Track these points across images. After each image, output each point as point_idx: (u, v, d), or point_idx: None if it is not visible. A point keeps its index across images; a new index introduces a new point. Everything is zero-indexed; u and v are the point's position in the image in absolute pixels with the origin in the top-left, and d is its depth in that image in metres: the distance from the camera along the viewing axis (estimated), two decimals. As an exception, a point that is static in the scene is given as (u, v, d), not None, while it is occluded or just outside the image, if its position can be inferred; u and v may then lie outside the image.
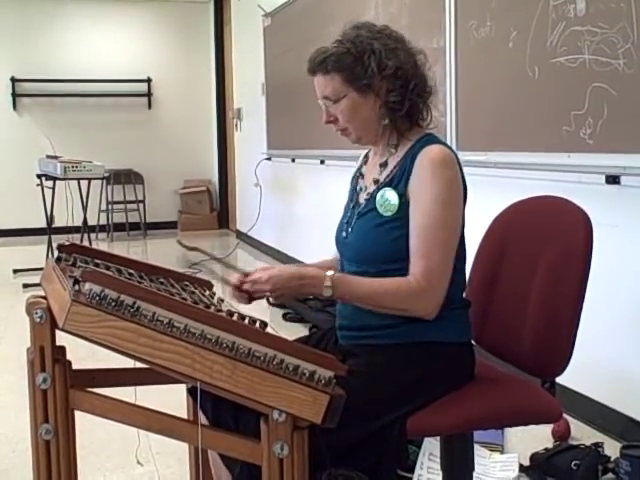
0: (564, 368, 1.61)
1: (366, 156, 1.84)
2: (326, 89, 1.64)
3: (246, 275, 1.62)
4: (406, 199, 1.60)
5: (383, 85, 1.62)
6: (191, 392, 1.60)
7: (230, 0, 8.27)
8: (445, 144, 1.65)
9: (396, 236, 1.59)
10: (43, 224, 5.86)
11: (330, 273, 1.56)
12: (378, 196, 1.64)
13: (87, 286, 1.24)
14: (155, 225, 8.91)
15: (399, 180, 1.62)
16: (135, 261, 1.69)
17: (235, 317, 1.36)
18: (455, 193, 1.59)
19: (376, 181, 1.69)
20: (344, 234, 1.73)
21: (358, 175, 1.80)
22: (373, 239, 1.63)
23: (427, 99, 1.68)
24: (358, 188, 1.77)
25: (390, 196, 1.61)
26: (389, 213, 1.61)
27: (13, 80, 8.50)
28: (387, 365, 1.57)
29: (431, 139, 1.65)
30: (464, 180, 1.62)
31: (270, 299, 1.68)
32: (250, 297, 1.63)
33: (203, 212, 9.12)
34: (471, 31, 3.26)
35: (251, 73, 7.23)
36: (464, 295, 1.70)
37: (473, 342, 1.72)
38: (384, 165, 1.69)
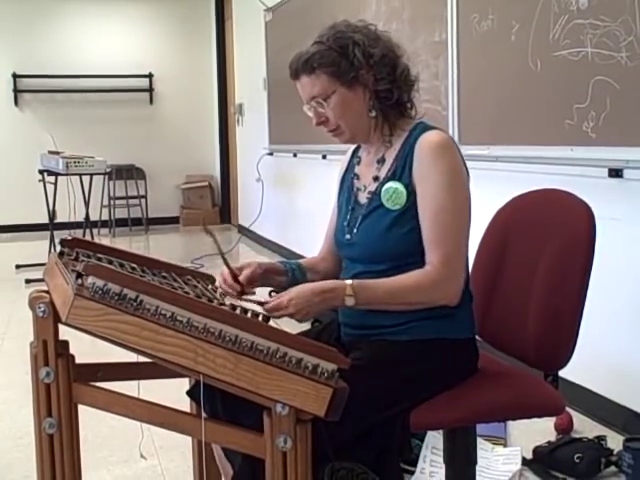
0: (567, 361, 1.61)
1: (355, 156, 1.80)
2: (314, 89, 1.61)
3: (234, 274, 1.61)
4: (412, 189, 1.59)
5: (370, 75, 1.61)
6: (190, 394, 1.59)
7: (231, -5, 8.26)
8: (440, 129, 1.64)
9: (406, 230, 1.58)
10: (45, 220, 5.87)
11: (349, 282, 1.53)
12: (383, 191, 1.62)
13: (90, 280, 1.24)
14: (157, 220, 8.91)
15: (402, 171, 1.61)
16: (137, 255, 1.69)
17: (238, 310, 1.36)
18: (459, 175, 1.58)
19: (376, 178, 1.66)
20: (348, 236, 1.69)
21: (352, 177, 1.76)
22: (383, 237, 1.60)
23: (412, 88, 1.67)
24: (355, 189, 1.73)
25: (396, 188, 1.60)
26: (397, 206, 1.59)
27: (15, 76, 8.48)
28: (390, 359, 1.57)
29: (425, 126, 1.64)
30: (464, 163, 1.62)
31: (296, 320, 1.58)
32: (241, 292, 1.62)
33: (205, 207, 9.11)
34: (473, 24, 3.25)
35: (253, 68, 7.21)
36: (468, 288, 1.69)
37: (476, 336, 1.71)
38: (381, 161, 1.67)
